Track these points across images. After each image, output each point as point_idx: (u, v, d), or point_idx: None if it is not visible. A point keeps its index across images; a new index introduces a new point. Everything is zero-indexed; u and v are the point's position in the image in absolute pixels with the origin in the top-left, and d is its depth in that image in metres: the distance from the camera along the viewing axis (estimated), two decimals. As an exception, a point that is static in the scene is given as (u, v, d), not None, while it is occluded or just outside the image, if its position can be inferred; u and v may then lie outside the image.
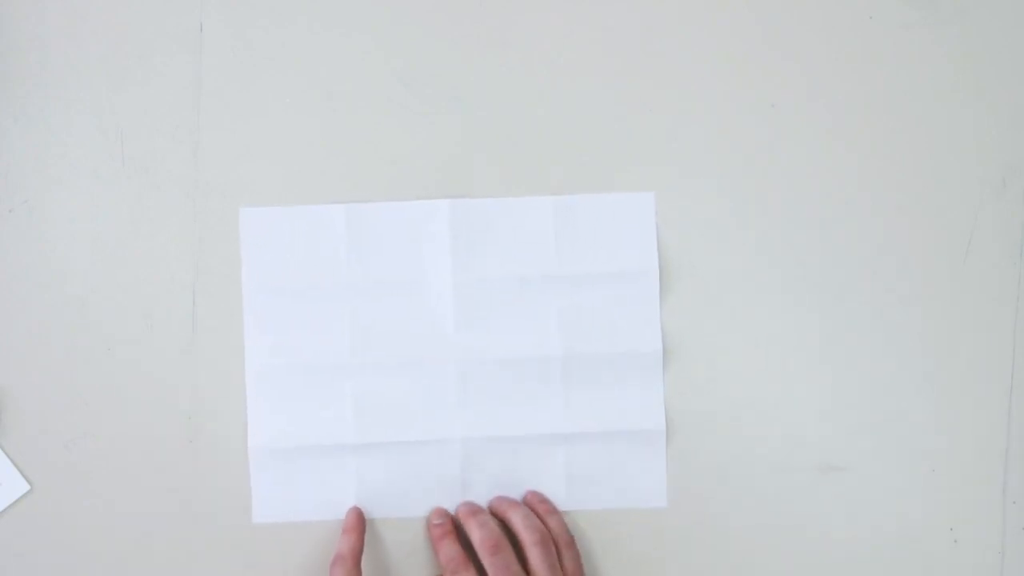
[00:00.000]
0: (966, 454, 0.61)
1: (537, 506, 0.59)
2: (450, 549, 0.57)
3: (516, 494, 0.60)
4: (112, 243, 0.60)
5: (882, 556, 0.61)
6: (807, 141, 0.61)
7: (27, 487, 0.59)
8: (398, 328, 0.60)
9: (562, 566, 0.56)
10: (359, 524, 0.58)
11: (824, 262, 0.61)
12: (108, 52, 0.60)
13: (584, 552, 0.60)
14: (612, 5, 0.61)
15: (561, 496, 0.60)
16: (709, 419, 0.61)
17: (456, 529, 0.59)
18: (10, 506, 0.59)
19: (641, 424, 0.60)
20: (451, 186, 0.60)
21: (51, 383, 0.59)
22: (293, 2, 0.61)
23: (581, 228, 0.60)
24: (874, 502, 0.61)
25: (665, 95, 0.61)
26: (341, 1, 0.61)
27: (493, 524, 0.58)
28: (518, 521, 0.57)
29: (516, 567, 0.55)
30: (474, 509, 0.59)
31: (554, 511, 0.59)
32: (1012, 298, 0.61)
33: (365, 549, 0.58)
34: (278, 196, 0.60)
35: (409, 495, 0.60)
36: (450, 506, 0.60)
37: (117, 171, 0.60)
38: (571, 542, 0.58)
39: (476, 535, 0.57)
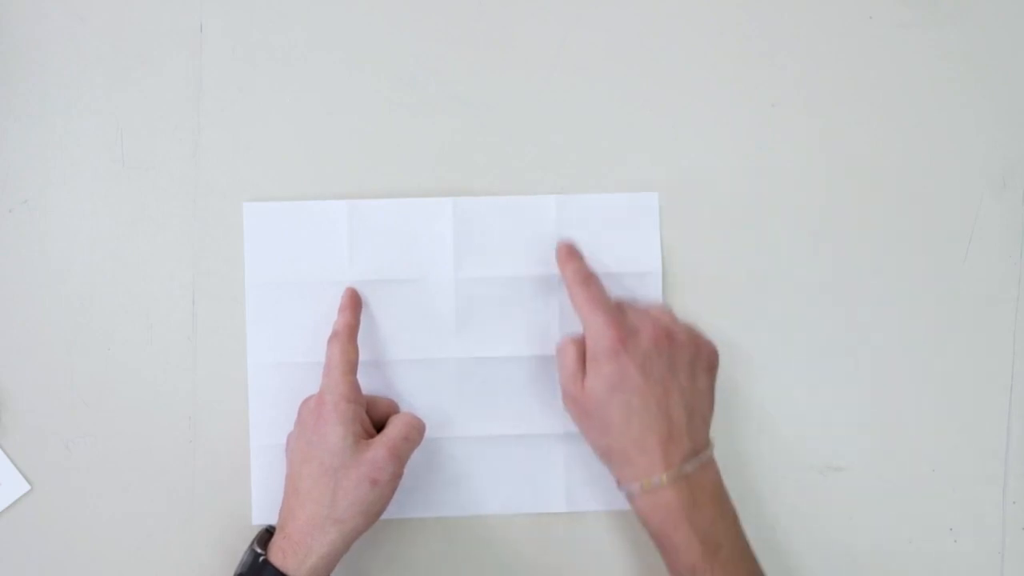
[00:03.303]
0: (966, 454, 0.61)
1: None
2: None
3: (516, 494, 0.60)
4: (112, 243, 0.60)
5: (882, 556, 0.61)
6: (807, 141, 0.61)
7: (27, 487, 0.59)
8: (399, 325, 0.60)
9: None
10: (353, 303, 0.58)
11: (824, 262, 0.61)
12: (108, 52, 0.60)
13: (584, 552, 0.60)
14: (612, 5, 0.61)
15: (561, 496, 0.60)
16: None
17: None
18: (10, 506, 0.59)
19: None
20: (453, 184, 0.60)
21: (51, 383, 0.59)
22: (293, 2, 0.61)
23: (584, 227, 0.60)
24: (874, 502, 0.61)
25: (666, 95, 0.61)
26: (342, 1, 0.61)
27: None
28: None
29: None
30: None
31: None
32: (1012, 298, 0.61)
33: (366, 545, 0.58)
34: (277, 197, 0.60)
35: (409, 493, 0.59)
36: (449, 506, 0.60)
37: (117, 171, 0.60)
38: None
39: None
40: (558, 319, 0.60)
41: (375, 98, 0.61)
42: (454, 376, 0.60)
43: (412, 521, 0.60)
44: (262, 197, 0.60)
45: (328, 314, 0.59)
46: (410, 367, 0.60)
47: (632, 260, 0.60)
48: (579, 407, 0.55)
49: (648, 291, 0.60)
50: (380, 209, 0.60)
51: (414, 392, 0.60)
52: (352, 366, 0.56)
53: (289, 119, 0.60)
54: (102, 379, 0.60)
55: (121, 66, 0.60)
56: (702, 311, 0.61)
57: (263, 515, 0.59)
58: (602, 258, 0.60)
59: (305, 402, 0.56)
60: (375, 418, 0.57)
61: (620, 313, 0.55)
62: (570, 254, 0.58)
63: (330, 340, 0.56)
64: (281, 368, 0.59)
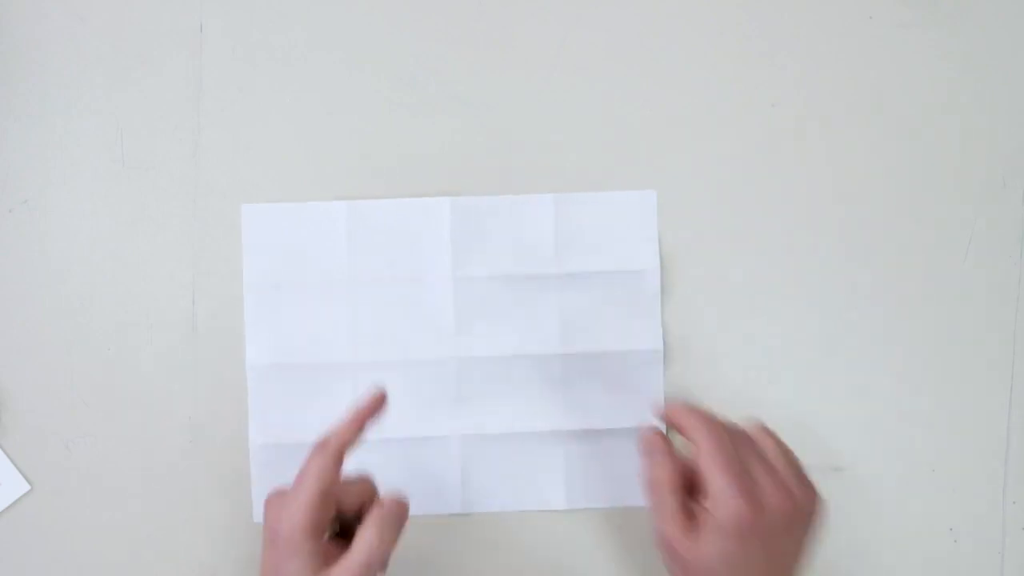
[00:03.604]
0: (966, 454, 0.61)
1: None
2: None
3: (515, 493, 0.60)
4: (112, 243, 0.60)
5: (882, 556, 0.61)
6: (807, 141, 0.61)
7: (27, 487, 0.59)
8: (398, 326, 0.60)
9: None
10: (367, 413, 0.51)
11: (824, 262, 0.61)
12: (108, 52, 0.60)
13: (583, 550, 0.60)
14: (612, 5, 0.61)
15: (561, 496, 0.60)
16: (709, 419, 0.61)
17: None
18: (10, 506, 0.59)
19: (641, 423, 0.60)
20: (452, 184, 0.60)
21: (51, 383, 0.59)
22: (293, 2, 0.61)
23: (582, 226, 0.60)
24: (874, 502, 0.61)
25: (666, 94, 0.61)
26: (342, 1, 0.61)
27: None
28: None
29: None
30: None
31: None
32: (1012, 298, 0.61)
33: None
34: (278, 197, 0.60)
35: (410, 493, 0.59)
36: (449, 505, 0.60)
37: (117, 171, 0.60)
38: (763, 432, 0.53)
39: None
40: (557, 317, 0.60)
41: (375, 98, 0.61)
42: (453, 376, 0.60)
43: (412, 520, 0.60)
44: (262, 197, 0.60)
45: (327, 315, 0.59)
46: (409, 367, 0.60)
47: (630, 258, 0.60)
48: (681, 564, 0.51)
49: (646, 289, 0.60)
50: (378, 209, 0.60)
51: (413, 392, 0.60)
52: (325, 496, 0.49)
53: (289, 119, 0.60)
54: (102, 379, 0.60)
55: (121, 66, 0.60)
56: (700, 310, 0.61)
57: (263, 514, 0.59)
58: (600, 256, 0.60)
59: (271, 500, 0.50)
60: (348, 506, 0.51)
61: (748, 475, 0.50)
62: (687, 405, 0.53)
63: (317, 447, 0.49)
64: (280, 368, 0.59)
